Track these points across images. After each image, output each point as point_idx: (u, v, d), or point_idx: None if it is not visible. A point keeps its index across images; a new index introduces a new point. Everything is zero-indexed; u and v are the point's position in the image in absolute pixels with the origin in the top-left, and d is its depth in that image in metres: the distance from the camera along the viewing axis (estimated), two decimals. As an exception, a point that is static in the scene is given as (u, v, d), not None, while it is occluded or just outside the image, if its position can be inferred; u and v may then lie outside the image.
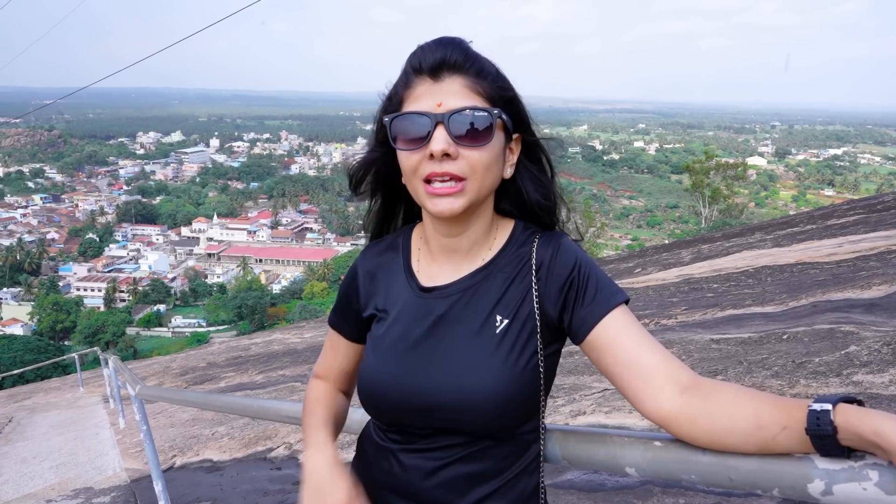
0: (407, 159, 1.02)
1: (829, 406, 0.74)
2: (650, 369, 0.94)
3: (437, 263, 1.13)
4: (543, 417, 1.10)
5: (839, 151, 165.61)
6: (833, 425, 0.73)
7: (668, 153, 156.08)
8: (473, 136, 0.99)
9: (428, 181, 1.01)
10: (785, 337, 4.16)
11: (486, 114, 0.99)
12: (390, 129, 1.03)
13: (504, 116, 1.02)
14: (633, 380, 0.95)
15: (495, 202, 1.13)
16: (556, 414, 3.69)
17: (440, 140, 0.98)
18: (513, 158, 1.09)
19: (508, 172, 1.08)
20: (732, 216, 37.11)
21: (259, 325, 54.01)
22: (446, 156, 0.99)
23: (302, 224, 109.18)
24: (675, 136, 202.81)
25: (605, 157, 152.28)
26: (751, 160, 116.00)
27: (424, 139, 0.99)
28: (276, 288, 73.46)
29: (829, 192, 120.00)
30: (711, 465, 0.87)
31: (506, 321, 1.04)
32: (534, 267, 1.06)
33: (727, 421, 0.85)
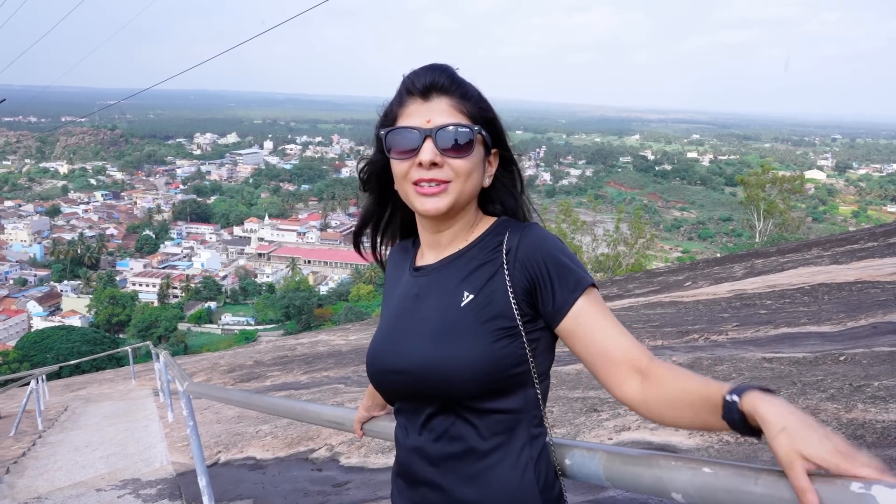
0: (398, 166, 1.18)
1: (736, 398, 0.87)
2: (616, 360, 1.06)
3: (425, 256, 1.29)
4: (543, 406, 1.17)
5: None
6: (741, 412, 0.87)
7: (722, 165, 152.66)
8: (457, 148, 1.14)
9: (416, 184, 1.16)
10: (842, 358, 4.01)
11: (467, 129, 1.15)
12: (385, 141, 1.19)
13: (483, 133, 1.18)
14: (603, 369, 1.07)
15: (484, 207, 1.29)
16: (600, 429, 3.62)
17: (428, 151, 1.13)
18: (491, 170, 1.25)
19: (487, 182, 1.24)
20: (788, 231, 36.03)
21: (306, 326, 54.82)
22: (433, 164, 1.14)
23: (350, 227, 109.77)
24: (731, 147, 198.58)
25: (656, 168, 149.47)
26: (809, 174, 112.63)
27: (415, 150, 1.15)
28: (323, 289, 74.44)
29: (891, 208, 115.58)
30: (763, 496, 0.84)
31: (471, 296, 1.15)
32: (504, 251, 1.16)
33: (672, 409, 0.99)
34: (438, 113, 1.15)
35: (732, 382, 0.91)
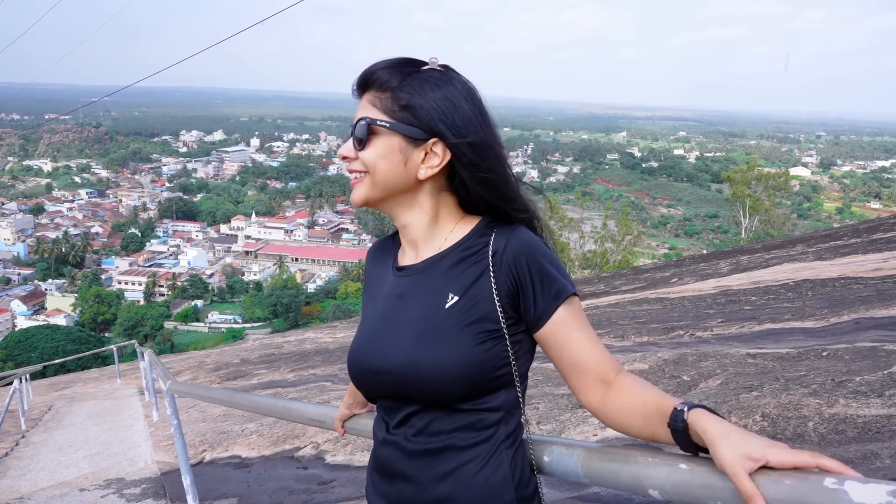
0: None
1: (685, 408, 0.94)
2: (586, 371, 1.10)
3: (406, 254, 1.28)
4: (523, 405, 1.17)
5: (887, 163, 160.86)
6: (685, 423, 0.93)
7: (708, 162, 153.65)
8: (358, 142, 1.18)
9: None
10: (825, 354, 4.04)
11: (363, 122, 1.16)
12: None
13: (382, 122, 1.14)
14: (572, 377, 1.12)
15: (466, 203, 1.23)
16: (585, 425, 3.63)
17: (344, 147, 1.20)
18: (433, 161, 1.16)
19: (423, 174, 1.17)
20: (773, 227, 36.35)
21: (293, 324, 54.66)
22: (346, 158, 1.21)
23: (338, 224, 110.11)
24: (717, 144, 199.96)
25: (643, 165, 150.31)
26: (794, 170, 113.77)
27: None
28: (310, 287, 74.20)
29: (875, 204, 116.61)
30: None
31: (455, 298, 1.14)
32: (490, 253, 1.14)
33: (627, 416, 1.05)
34: (361, 109, 1.18)
35: (686, 399, 0.95)
